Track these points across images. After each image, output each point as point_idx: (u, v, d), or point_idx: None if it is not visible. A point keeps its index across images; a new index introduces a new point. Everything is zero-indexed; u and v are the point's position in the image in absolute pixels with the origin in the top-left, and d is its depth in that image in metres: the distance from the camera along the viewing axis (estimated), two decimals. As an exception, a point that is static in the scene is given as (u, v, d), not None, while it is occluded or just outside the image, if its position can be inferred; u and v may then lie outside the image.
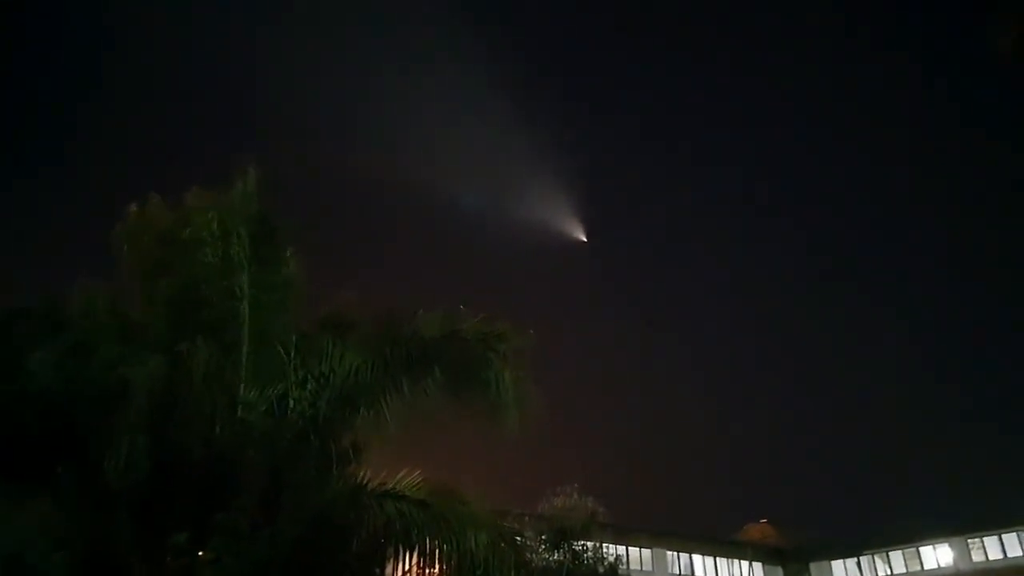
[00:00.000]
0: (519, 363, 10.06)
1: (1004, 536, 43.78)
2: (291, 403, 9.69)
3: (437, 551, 9.41)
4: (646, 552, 44.20)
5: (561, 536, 25.91)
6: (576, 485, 27.34)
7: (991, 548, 44.12)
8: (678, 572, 45.78)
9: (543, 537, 25.58)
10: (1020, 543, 43.30)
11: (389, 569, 9.85)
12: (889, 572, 46.45)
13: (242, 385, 9.52)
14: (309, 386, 9.76)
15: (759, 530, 52.50)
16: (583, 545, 26.58)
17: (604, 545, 28.61)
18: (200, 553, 8.83)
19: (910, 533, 45.66)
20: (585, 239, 34.29)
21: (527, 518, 24.37)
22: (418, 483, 9.80)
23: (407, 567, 9.64)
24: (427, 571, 9.71)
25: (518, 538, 11.66)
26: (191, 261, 9.98)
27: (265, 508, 9.15)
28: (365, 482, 9.93)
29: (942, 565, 45.04)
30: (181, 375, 8.97)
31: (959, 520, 44.04)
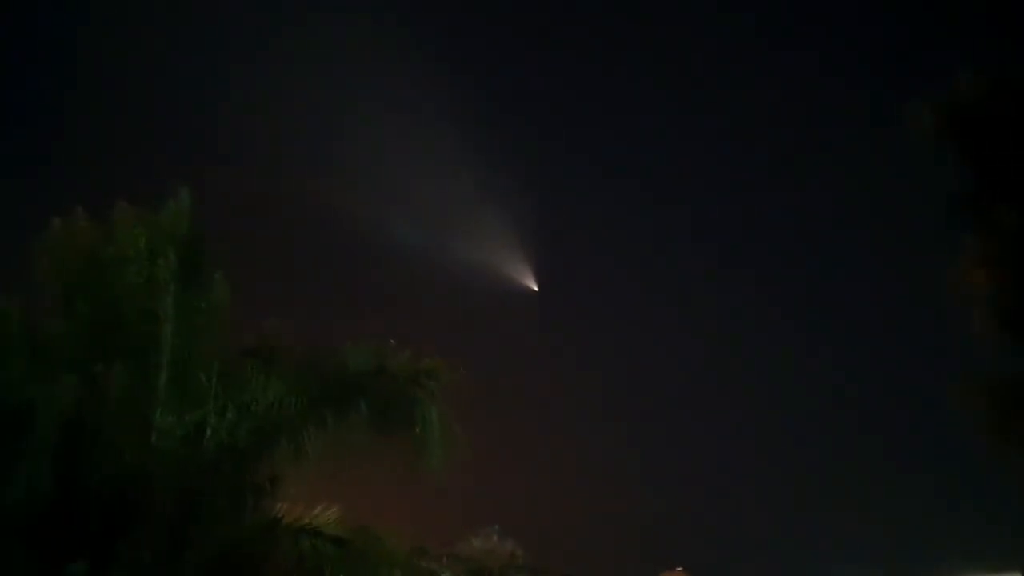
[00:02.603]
0: (447, 401, 10.03)
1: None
2: (208, 431, 9.43)
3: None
4: (562, 597, 43.97)
5: (478, 578, 25.66)
6: (496, 526, 27.22)
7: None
8: (593, 618, 45.59)
9: (460, 578, 25.28)
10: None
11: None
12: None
13: (158, 410, 9.24)
14: (229, 415, 9.52)
15: (674, 578, 52.78)
16: (500, 587, 26.37)
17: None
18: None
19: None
20: (536, 288, 33.89)
21: (445, 558, 24.10)
22: (335, 519, 9.64)
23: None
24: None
25: (434, 578, 11.55)
26: (114, 280, 9.69)
27: (172, 539, 8.86)
28: (280, 515, 9.71)
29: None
30: (94, 397, 8.67)
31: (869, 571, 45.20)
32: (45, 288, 9.93)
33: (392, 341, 10.23)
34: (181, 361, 9.53)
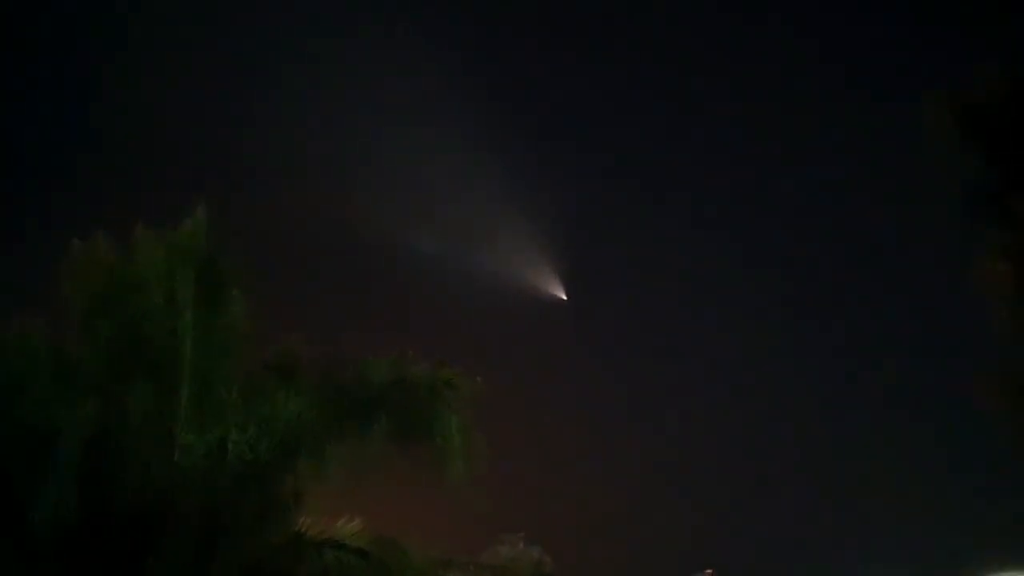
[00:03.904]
0: (470, 410, 10.02)
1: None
2: (231, 447, 9.49)
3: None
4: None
5: (505, 586, 25.59)
6: (522, 534, 27.16)
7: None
8: (623, 623, 45.35)
9: (487, 587, 25.24)
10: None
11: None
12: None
13: (181, 428, 9.32)
14: (250, 430, 9.57)
15: (704, 581, 52.36)
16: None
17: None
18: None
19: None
20: (565, 297, 33.58)
21: (471, 567, 24.07)
22: (358, 531, 9.67)
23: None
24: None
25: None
26: (134, 300, 9.80)
27: (199, 554, 8.93)
28: (304, 529, 9.76)
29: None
30: (118, 416, 8.76)
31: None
32: (67, 310, 10.05)
33: (411, 352, 10.24)
34: (202, 378, 9.61)
